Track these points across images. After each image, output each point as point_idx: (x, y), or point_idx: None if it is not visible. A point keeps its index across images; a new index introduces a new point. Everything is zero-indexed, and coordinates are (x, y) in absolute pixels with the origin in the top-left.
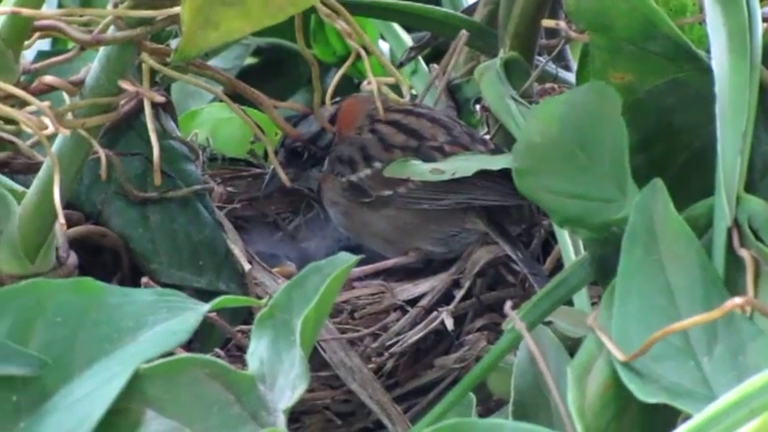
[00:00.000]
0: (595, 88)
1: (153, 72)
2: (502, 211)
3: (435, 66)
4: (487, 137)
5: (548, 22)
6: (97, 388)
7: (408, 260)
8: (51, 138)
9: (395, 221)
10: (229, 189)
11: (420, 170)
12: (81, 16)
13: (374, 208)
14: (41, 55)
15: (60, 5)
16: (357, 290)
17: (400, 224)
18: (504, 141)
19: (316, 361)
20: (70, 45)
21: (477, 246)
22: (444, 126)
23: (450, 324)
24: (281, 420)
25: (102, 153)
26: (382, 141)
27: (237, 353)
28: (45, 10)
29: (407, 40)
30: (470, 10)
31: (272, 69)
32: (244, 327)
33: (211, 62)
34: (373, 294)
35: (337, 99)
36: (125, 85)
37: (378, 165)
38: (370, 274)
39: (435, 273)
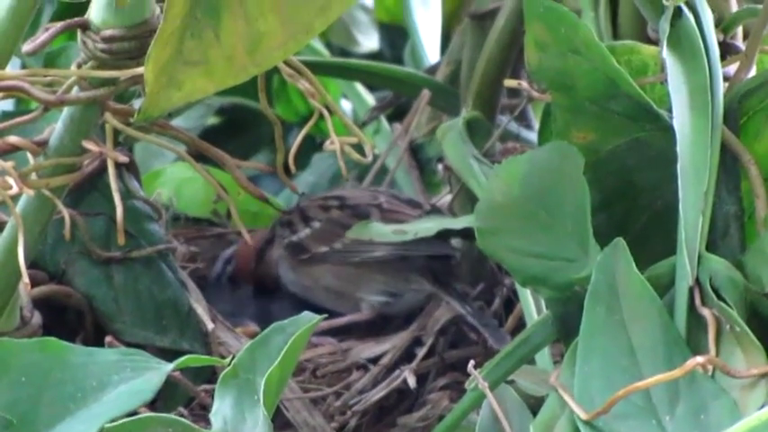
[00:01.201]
0: (557, 148)
1: (116, 132)
2: (448, 271)
3: (398, 125)
4: (449, 196)
5: (510, 82)
6: None
7: (362, 316)
8: (15, 198)
9: (338, 274)
10: (192, 249)
11: (383, 231)
12: (44, 77)
13: (314, 264)
14: (5, 115)
15: (24, 66)
16: (319, 348)
17: (344, 276)
18: (467, 200)
19: (279, 420)
20: (34, 105)
21: (438, 303)
22: (367, 191)
23: (412, 382)
24: None
25: (65, 213)
26: (318, 207)
27: (201, 412)
28: (8, 71)
29: (370, 99)
30: (432, 69)
31: (235, 129)
32: (207, 386)
33: (174, 122)
34: (333, 353)
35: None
36: (89, 145)
37: (316, 224)
38: (324, 331)
39: (397, 330)
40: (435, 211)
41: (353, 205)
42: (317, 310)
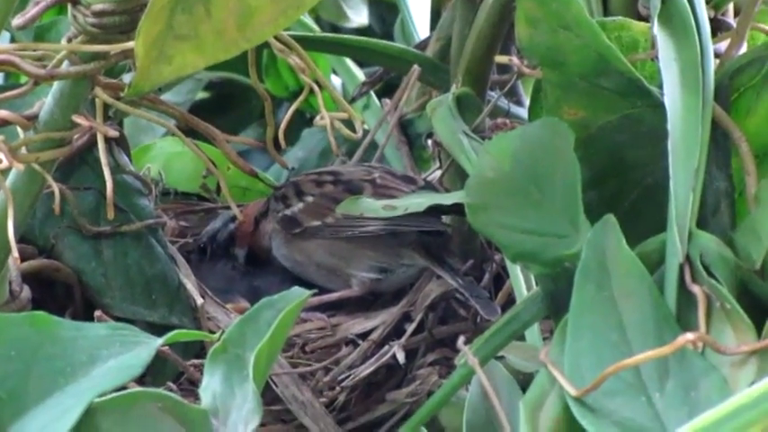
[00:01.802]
0: (548, 124)
1: (106, 106)
2: (441, 245)
3: (387, 101)
4: (439, 172)
5: (500, 58)
6: (51, 422)
7: (353, 293)
8: (5, 172)
9: (330, 249)
10: (182, 223)
11: (373, 207)
12: (35, 51)
13: (306, 239)
14: None
15: (13, 40)
16: (308, 324)
17: (336, 252)
18: (457, 176)
19: (268, 395)
20: (24, 79)
21: (428, 279)
22: (362, 168)
23: (401, 358)
24: None
25: (55, 187)
26: (312, 182)
27: (190, 387)
28: None
29: (360, 74)
30: (422, 45)
31: (225, 104)
32: (196, 361)
33: (164, 96)
34: (322, 329)
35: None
36: (79, 119)
37: (309, 198)
38: (314, 306)
39: (386, 306)
40: (428, 186)
41: (347, 180)
42: (308, 286)
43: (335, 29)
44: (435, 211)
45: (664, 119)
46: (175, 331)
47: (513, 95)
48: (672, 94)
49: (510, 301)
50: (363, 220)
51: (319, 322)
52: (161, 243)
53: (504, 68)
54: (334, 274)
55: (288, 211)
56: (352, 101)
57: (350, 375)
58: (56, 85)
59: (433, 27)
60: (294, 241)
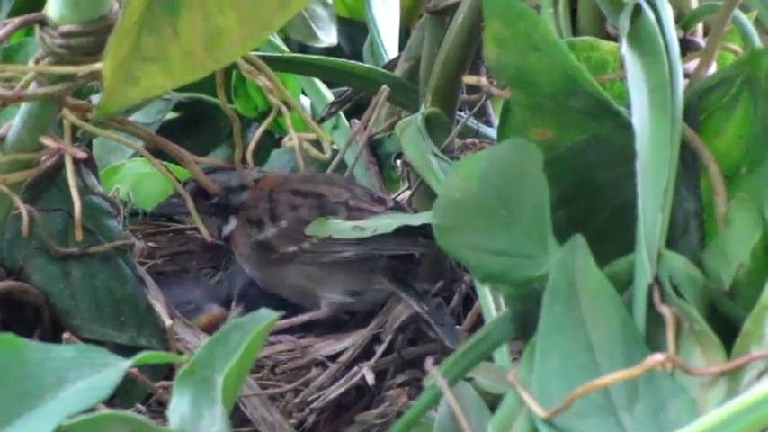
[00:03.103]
0: (516, 145)
1: (74, 128)
2: (408, 270)
3: (356, 121)
4: (408, 192)
5: (469, 79)
6: None
7: (321, 314)
8: None
9: (304, 273)
10: (150, 244)
11: (341, 228)
12: (2, 72)
13: (282, 264)
14: None
15: None
16: (278, 345)
17: (310, 276)
18: (426, 197)
19: (237, 417)
20: None
21: (397, 301)
22: (343, 187)
23: (371, 379)
24: None
25: (23, 209)
26: (286, 203)
27: (159, 408)
28: None
29: (328, 95)
30: (391, 65)
31: (193, 124)
32: (165, 382)
33: (133, 117)
34: (291, 350)
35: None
36: (46, 141)
37: (283, 223)
38: (284, 329)
39: (357, 328)
40: (397, 207)
41: (321, 205)
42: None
43: (304, 49)
44: (410, 232)
45: (632, 139)
46: (144, 353)
47: (482, 115)
48: (640, 115)
49: (479, 322)
50: (340, 245)
51: (289, 344)
52: (129, 264)
53: (473, 88)
54: (306, 295)
55: (261, 236)
56: (320, 121)
57: (319, 397)
58: (23, 106)
59: (401, 47)
60: (269, 266)
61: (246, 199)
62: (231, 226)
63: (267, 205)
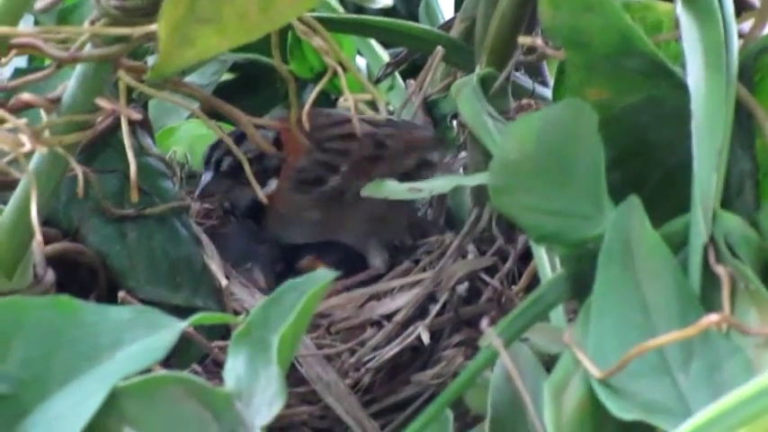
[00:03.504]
0: (571, 105)
1: (130, 89)
2: None
3: (412, 81)
4: (463, 153)
5: (524, 39)
6: (74, 406)
7: (374, 271)
8: (28, 155)
9: (367, 214)
10: (206, 205)
11: (398, 190)
12: (58, 34)
13: (344, 209)
14: (18, 72)
15: (37, 23)
16: (333, 299)
17: (372, 216)
18: (482, 157)
19: (293, 377)
20: (47, 62)
21: (452, 259)
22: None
23: (426, 338)
24: None
25: (79, 170)
26: (336, 151)
27: (215, 369)
28: (22, 28)
29: (384, 56)
30: (447, 26)
31: (249, 85)
32: (221, 343)
33: (189, 78)
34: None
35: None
36: (102, 102)
37: (344, 168)
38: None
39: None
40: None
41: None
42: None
43: (360, 9)
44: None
45: (687, 99)
46: (199, 314)
47: (538, 76)
48: (695, 75)
49: (535, 283)
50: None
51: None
52: (185, 225)
53: (529, 49)
54: (371, 237)
55: (327, 187)
56: (376, 82)
57: (375, 357)
58: (79, 68)
59: (457, 8)
60: (332, 211)
61: (284, 159)
62: (271, 187)
63: (318, 157)
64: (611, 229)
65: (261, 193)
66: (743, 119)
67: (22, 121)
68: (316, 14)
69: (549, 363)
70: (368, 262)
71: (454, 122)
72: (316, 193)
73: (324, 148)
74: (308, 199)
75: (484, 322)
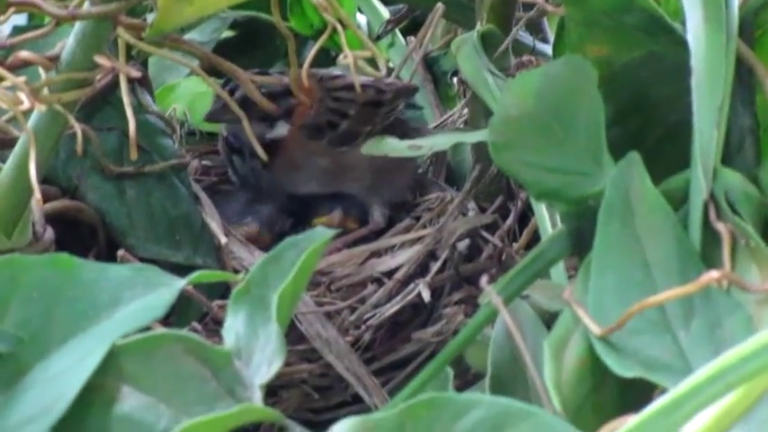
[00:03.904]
0: (571, 62)
1: (129, 47)
2: None
3: (412, 38)
4: (464, 110)
5: None
6: (73, 364)
7: (374, 226)
8: (27, 113)
9: (376, 164)
10: (205, 163)
11: (398, 147)
12: None
13: (349, 155)
14: (17, 30)
15: None
16: (333, 256)
17: (381, 167)
18: (482, 114)
19: (293, 334)
20: (46, 20)
21: (453, 216)
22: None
23: (426, 296)
24: (258, 396)
25: (77, 128)
26: (346, 99)
27: (215, 327)
28: None
29: (385, 12)
30: None
31: (249, 42)
32: (221, 301)
33: (188, 35)
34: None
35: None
36: (101, 60)
37: (352, 112)
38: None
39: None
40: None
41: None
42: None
43: None
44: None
45: (687, 56)
46: (199, 272)
47: (538, 32)
48: (695, 31)
49: (535, 239)
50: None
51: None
52: (185, 183)
53: (528, 5)
54: (374, 189)
55: (339, 131)
56: (376, 39)
57: (375, 314)
58: (78, 25)
59: None
60: (341, 158)
61: (297, 104)
62: (280, 130)
63: (330, 105)
64: (612, 185)
65: (257, 145)
66: (743, 75)
67: (21, 79)
68: None
69: (549, 320)
70: (368, 216)
71: (454, 79)
72: (328, 138)
73: (333, 96)
74: (320, 145)
75: (484, 279)
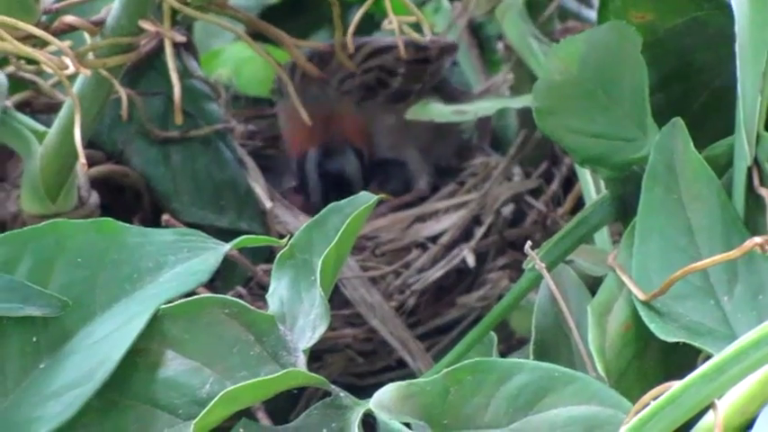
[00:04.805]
0: (616, 27)
1: (174, 11)
2: None
3: (457, 3)
4: (509, 75)
5: None
6: (117, 329)
7: (418, 192)
8: (72, 78)
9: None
10: (251, 128)
11: (443, 112)
12: None
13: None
14: None
15: None
16: (378, 221)
17: (433, 124)
18: (527, 79)
19: (337, 299)
20: None
21: (497, 181)
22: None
23: (471, 261)
24: (302, 360)
25: (122, 93)
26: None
27: (260, 291)
28: None
29: None
30: None
31: (294, 7)
32: (265, 266)
33: (235, 0)
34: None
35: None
36: (145, 24)
37: (402, 69)
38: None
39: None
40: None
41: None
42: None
43: None
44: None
45: (731, 21)
46: (243, 237)
47: None
48: None
49: (579, 205)
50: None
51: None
52: (230, 147)
53: None
54: (425, 152)
55: (391, 89)
56: (421, 4)
57: (420, 279)
58: None
59: None
60: (394, 117)
61: (339, 68)
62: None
63: (372, 64)
64: (655, 151)
65: (303, 113)
66: None
67: (66, 44)
68: None
69: (593, 285)
70: (413, 183)
71: (499, 44)
72: (383, 96)
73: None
74: (378, 102)
75: (528, 244)
